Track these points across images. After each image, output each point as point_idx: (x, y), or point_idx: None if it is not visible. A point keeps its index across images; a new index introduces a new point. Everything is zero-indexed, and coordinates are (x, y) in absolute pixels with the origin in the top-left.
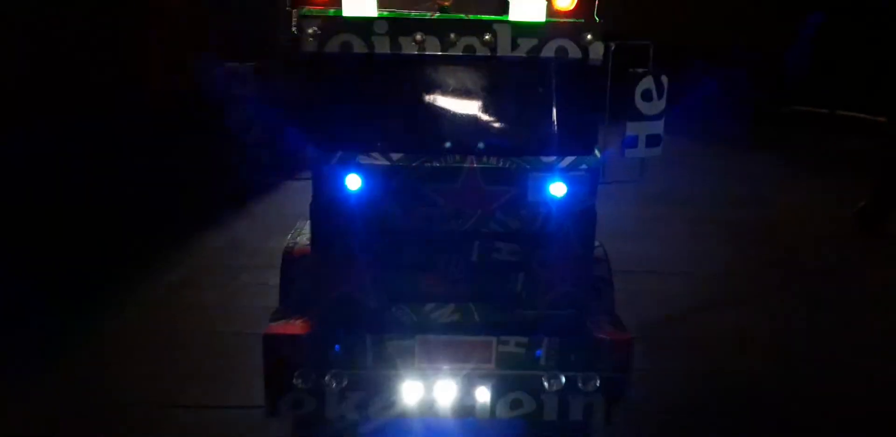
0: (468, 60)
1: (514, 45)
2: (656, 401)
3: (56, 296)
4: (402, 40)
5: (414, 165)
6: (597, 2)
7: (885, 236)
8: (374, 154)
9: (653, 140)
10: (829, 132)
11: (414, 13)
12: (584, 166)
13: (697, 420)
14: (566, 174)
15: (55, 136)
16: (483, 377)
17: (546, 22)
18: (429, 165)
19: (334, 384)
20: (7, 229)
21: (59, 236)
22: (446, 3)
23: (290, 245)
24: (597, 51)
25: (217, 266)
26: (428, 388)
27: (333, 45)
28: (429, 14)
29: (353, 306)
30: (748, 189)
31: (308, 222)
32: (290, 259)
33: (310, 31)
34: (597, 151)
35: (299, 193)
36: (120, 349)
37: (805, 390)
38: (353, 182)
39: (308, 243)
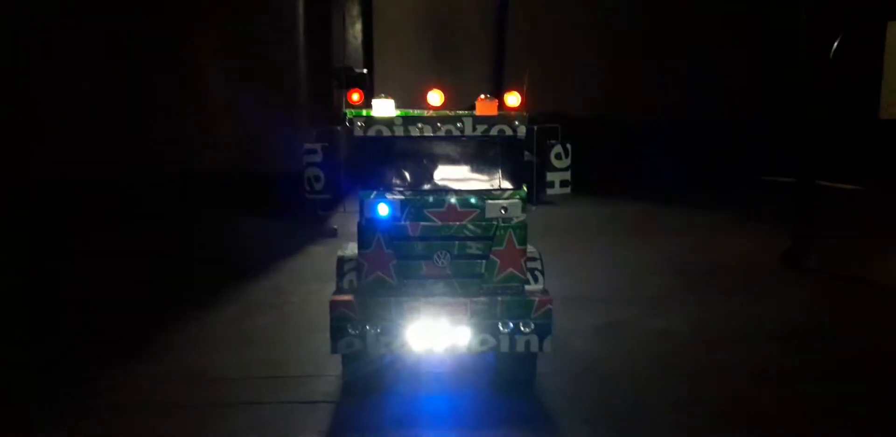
0: (449, 138)
1: (475, 129)
2: (602, 362)
3: (154, 318)
4: (411, 128)
5: (418, 198)
6: (526, 102)
7: (804, 269)
8: (396, 192)
9: (564, 183)
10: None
11: (416, 111)
12: (517, 197)
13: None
14: (507, 201)
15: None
16: (462, 325)
17: (493, 116)
18: (427, 197)
19: (373, 331)
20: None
21: (143, 283)
22: (436, 106)
23: (341, 254)
24: (522, 131)
25: (264, 303)
26: (429, 332)
27: (372, 132)
28: (425, 112)
29: (383, 283)
30: (693, 238)
31: (347, 243)
32: (341, 262)
33: (359, 124)
34: (524, 188)
35: (318, 258)
36: (206, 349)
37: (693, 359)
38: (383, 209)
39: (351, 253)
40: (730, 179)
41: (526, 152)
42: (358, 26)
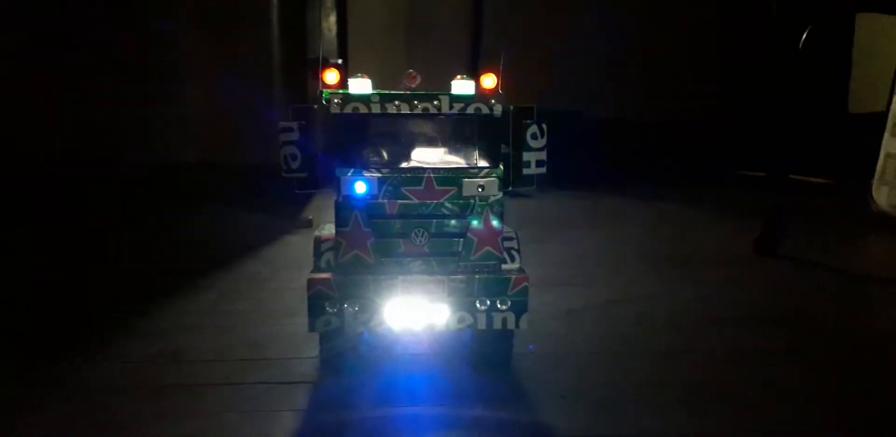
0: (425, 116)
1: (451, 107)
2: (578, 343)
3: (128, 305)
4: (387, 105)
5: (395, 176)
6: (500, 83)
7: (774, 257)
8: (373, 170)
9: (540, 163)
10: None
11: (394, 91)
12: (494, 175)
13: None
14: (483, 179)
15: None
16: (440, 302)
17: (470, 94)
18: (404, 175)
19: (351, 309)
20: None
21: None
22: (413, 86)
23: (318, 234)
24: (498, 110)
25: (242, 289)
26: (406, 310)
27: (348, 109)
28: (402, 91)
29: (361, 261)
30: (669, 229)
31: (324, 224)
32: (319, 241)
33: (335, 101)
34: (501, 166)
35: (294, 247)
36: (182, 333)
37: (667, 340)
38: (360, 187)
39: (328, 233)
40: (707, 174)
41: (503, 145)
42: (332, 18)
